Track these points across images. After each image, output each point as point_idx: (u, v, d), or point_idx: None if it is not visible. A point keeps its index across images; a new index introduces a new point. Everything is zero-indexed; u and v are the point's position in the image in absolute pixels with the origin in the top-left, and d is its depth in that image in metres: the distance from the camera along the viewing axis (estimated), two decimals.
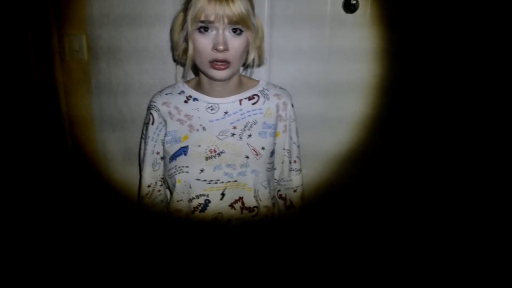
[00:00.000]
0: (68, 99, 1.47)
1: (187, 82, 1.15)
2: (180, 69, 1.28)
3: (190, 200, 1.06)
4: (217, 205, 1.06)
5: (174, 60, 1.23)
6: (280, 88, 1.14)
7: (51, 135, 1.48)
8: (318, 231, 1.51)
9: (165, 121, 1.10)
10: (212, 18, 0.94)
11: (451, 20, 1.26)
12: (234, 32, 0.97)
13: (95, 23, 1.34)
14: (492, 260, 1.30)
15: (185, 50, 1.04)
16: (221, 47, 0.95)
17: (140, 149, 1.18)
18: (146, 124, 1.14)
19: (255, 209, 1.08)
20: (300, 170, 1.19)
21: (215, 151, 1.05)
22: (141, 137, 1.17)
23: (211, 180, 1.05)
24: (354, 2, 1.27)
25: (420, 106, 1.36)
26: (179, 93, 1.12)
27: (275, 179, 1.19)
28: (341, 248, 1.53)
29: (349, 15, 1.29)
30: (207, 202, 1.05)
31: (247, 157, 1.06)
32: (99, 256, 1.52)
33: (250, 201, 1.07)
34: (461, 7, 1.24)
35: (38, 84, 1.43)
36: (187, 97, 1.11)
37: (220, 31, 0.96)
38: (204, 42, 0.97)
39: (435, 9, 1.26)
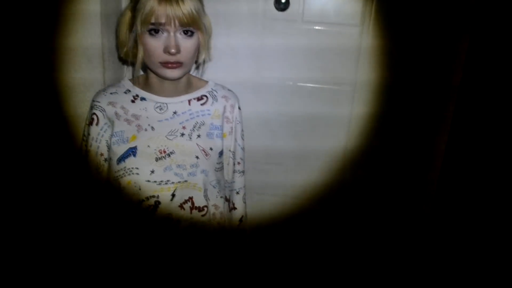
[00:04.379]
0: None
1: (132, 80, 1.12)
2: (106, 67, 1.23)
3: (140, 202, 1.04)
4: (167, 206, 1.05)
5: (120, 59, 1.18)
6: (228, 90, 1.17)
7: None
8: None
9: (111, 122, 1.06)
10: (163, 20, 0.94)
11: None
12: (185, 33, 0.98)
13: None
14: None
15: (134, 50, 1.02)
16: (173, 50, 0.95)
17: (80, 151, 1.12)
18: (87, 125, 1.09)
19: (205, 208, 1.09)
20: (243, 172, 1.23)
21: (164, 152, 1.05)
22: (82, 139, 1.12)
23: (162, 181, 1.04)
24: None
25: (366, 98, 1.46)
26: (125, 92, 1.09)
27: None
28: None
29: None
30: (157, 203, 1.04)
31: (197, 157, 1.07)
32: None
33: (200, 201, 1.08)
34: None
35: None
36: (134, 96, 1.08)
37: (172, 33, 0.96)
38: (155, 45, 0.97)
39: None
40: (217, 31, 1.33)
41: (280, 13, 1.39)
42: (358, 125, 1.49)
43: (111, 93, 1.09)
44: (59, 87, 1.22)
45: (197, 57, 1.05)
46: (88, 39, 1.18)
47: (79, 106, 1.21)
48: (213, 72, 1.32)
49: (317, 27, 1.40)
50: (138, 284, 1.08)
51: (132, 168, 1.02)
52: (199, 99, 1.12)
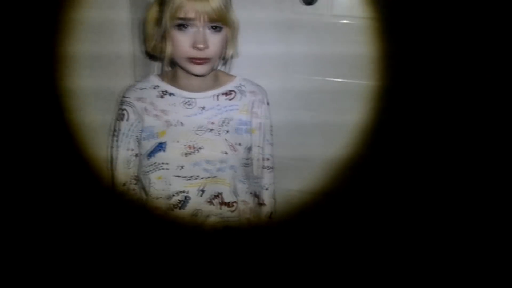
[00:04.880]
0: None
1: (160, 75, 1.13)
2: (136, 62, 1.25)
3: (169, 197, 1.04)
4: (196, 202, 1.05)
5: (146, 53, 1.19)
6: (257, 85, 1.16)
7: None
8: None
9: (141, 117, 1.07)
10: (191, 15, 0.94)
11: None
12: (213, 29, 0.97)
13: None
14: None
15: (161, 44, 1.02)
16: (201, 46, 0.95)
17: (111, 147, 1.14)
18: (117, 121, 1.10)
19: (234, 204, 1.09)
20: (272, 168, 1.21)
21: (193, 147, 1.05)
22: (113, 134, 1.13)
23: (191, 176, 1.04)
24: None
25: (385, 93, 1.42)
26: (154, 88, 1.10)
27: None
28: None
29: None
30: (187, 198, 1.05)
31: (225, 153, 1.06)
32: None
33: (228, 197, 1.08)
34: None
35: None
36: (162, 92, 1.09)
37: (200, 29, 0.95)
38: (183, 40, 0.96)
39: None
40: (243, 26, 1.33)
41: (307, 7, 1.37)
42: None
43: (140, 89, 1.10)
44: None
45: (225, 52, 1.05)
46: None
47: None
48: (239, 67, 1.32)
49: (345, 21, 1.37)
50: (165, 280, 1.09)
51: (162, 163, 1.03)
52: (226, 94, 1.11)
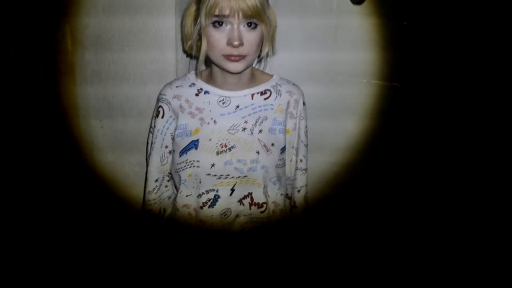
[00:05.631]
0: (52, 89, 1.43)
1: (198, 73, 1.13)
2: (180, 58, 1.26)
3: (200, 195, 1.04)
4: (226, 201, 1.05)
5: (184, 51, 1.21)
6: (293, 84, 1.13)
7: (34, 126, 1.45)
8: (326, 226, 1.50)
9: (176, 115, 1.08)
10: (226, 12, 0.93)
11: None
12: (249, 26, 0.96)
13: (81, 12, 1.31)
14: (495, 260, 1.31)
15: (198, 43, 1.02)
16: (236, 43, 0.94)
17: (147, 143, 1.16)
18: (154, 117, 1.12)
19: (264, 205, 1.07)
20: (305, 169, 1.18)
21: (226, 146, 1.04)
22: (149, 131, 1.15)
23: (222, 175, 1.03)
24: None
25: (427, 97, 1.36)
26: (190, 86, 1.10)
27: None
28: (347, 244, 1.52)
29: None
30: (217, 197, 1.04)
31: (257, 152, 1.04)
32: (98, 254, 1.49)
33: (259, 197, 1.06)
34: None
35: (18, 76, 1.40)
36: (198, 90, 1.09)
37: (235, 26, 0.94)
38: (218, 37, 0.96)
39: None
40: (291, 24, 1.31)
41: (356, 6, 1.32)
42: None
43: (176, 87, 1.11)
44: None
45: (261, 50, 1.03)
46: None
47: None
48: (284, 66, 1.30)
49: (393, 22, 1.31)
50: (196, 279, 1.09)
51: (193, 160, 1.03)
52: (262, 93, 1.09)
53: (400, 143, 1.43)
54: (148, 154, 1.13)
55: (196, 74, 1.12)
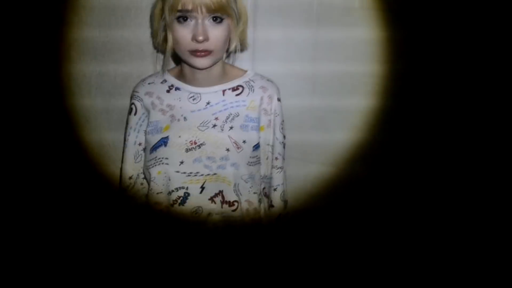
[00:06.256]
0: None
1: (170, 70, 1.12)
2: (160, 57, 1.26)
3: (170, 193, 1.03)
4: (196, 199, 1.03)
5: (154, 48, 1.20)
6: (268, 80, 1.10)
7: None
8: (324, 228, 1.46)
9: (148, 112, 1.07)
10: (189, 7, 0.91)
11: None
12: (214, 20, 0.94)
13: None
14: (497, 260, 1.27)
15: (165, 39, 1.01)
16: (200, 38, 0.92)
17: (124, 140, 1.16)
18: (128, 115, 1.12)
19: (236, 203, 1.05)
20: (282, 168, 1.14)
21: (195, 143, 1.03)
22: (125, 128, 1.15)
23: (191, 173, 1.02)
24: None
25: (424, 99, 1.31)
26: (162, 82, 1.10)
27: (261, 175, 1.15)
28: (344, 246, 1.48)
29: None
30: (187, 195, 1.03)
31: (227, 149, 1.03)
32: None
33: (230, 195, 1.05)
34: None
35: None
36: (169, 87, 1.08)
37: (200, 21, 0.93)
38: (183, 32, 0.94)
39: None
40: (272, 21, 1.28)
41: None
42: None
43: (149, 83, 1.10)
44: None
45: (228, 45, 1.01)
46: None
47: None
48: (266, 64, 1.27)
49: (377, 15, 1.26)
50: (164, 277, 1.08)
51: (162, 158, 1.02)
52: (234, 89, 1.07)
53: (390, 155, 1.38)
54: (122, 151, 1.13)
55: (168, 70, 1.11)
